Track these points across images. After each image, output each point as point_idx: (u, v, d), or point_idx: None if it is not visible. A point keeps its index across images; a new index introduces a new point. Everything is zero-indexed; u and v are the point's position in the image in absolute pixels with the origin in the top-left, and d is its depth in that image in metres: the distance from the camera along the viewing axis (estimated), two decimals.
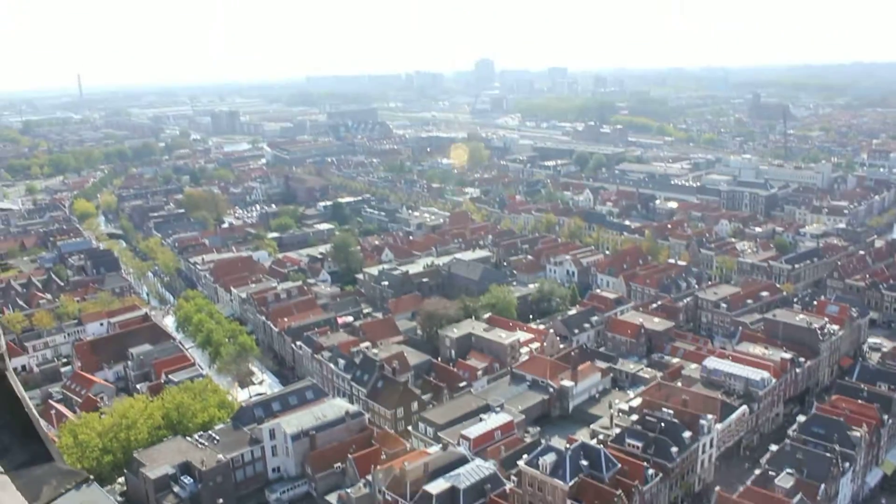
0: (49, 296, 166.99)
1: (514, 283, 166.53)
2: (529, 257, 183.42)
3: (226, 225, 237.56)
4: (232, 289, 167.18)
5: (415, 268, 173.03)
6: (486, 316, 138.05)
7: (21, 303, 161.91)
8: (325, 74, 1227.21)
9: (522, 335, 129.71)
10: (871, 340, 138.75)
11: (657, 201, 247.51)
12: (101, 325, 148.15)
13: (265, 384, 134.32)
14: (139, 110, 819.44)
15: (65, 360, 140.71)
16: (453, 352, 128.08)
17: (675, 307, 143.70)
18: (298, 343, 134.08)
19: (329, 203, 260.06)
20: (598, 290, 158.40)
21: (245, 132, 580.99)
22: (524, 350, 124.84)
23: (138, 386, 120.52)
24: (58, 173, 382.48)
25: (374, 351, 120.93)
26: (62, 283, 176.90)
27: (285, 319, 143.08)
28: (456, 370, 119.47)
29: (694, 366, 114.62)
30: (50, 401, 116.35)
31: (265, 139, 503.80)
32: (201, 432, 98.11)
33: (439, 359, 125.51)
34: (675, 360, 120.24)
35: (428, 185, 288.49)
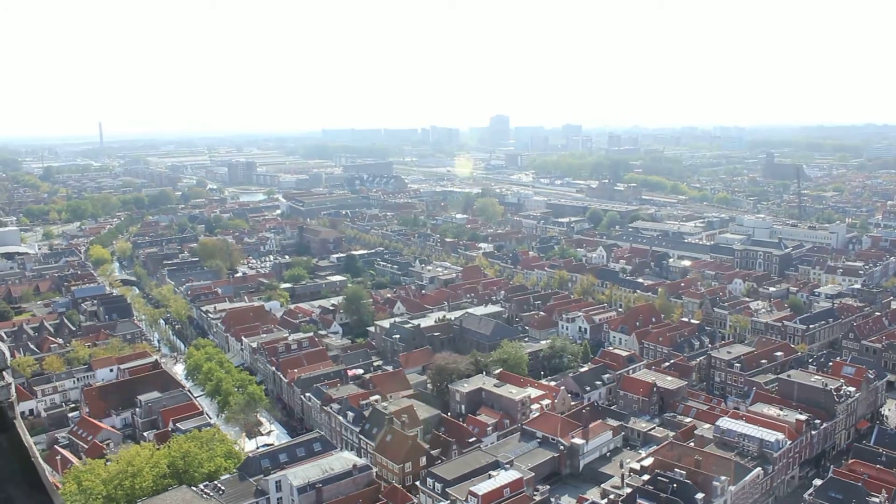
0: (61, 340, 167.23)
1: (526, 339, 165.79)
2: (542, 313, 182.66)
3: (239, 274, 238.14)
4: (243, 338, 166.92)
5: (426, 322, 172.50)
6: (497, 371, 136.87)
7: (33, 346, 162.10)
8: (342, 127, 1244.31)
9: (533, 391, 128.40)
10: (892, 403, 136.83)
11: (670, 259, 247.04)
12: (111, 371, 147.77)
13: (273, 435, 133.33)
14: (157, 159, 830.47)
15: (73, 405, 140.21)
16: (463, 407, 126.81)
17: (688, 366, 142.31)
18: (308, 394, 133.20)
19: (342, 255, 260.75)
20: (610, 348, 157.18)
21: (261, 183, 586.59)
22: (535, 407, 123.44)
23: (145, 433, 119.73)
24: (75, 219, 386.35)
25: (384, 404, 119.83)
26: (74, 328, 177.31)
27: (295, 370, 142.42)
28: (466, 425, 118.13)
29: (707, 426, 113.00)
30: (56, 446, 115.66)
31: (280, 190, 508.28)
32: (207, 482, 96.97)
33: (449, 414, 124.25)
34: (688, 420, 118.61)
35: (441, 239, 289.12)
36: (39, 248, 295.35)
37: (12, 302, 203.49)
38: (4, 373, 11.00)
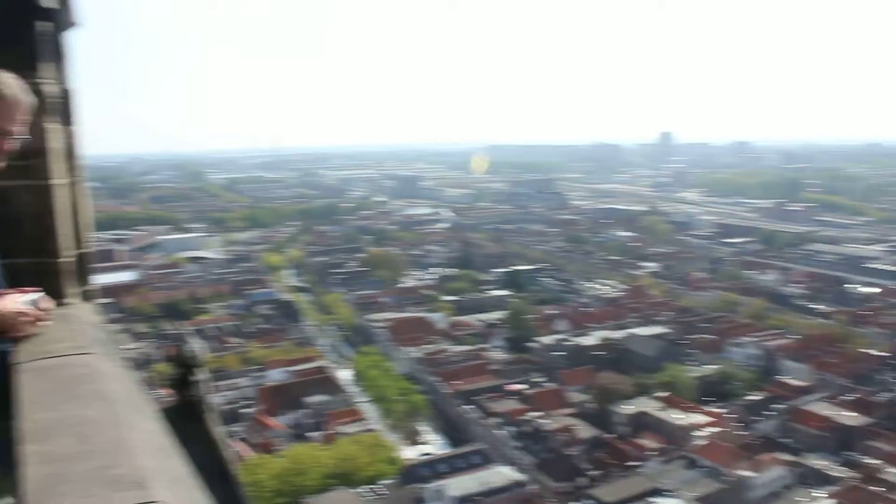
0: (238, 340, 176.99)
1: (693, 363, 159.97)
2: (709, 337, 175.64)
3: (404, 285, 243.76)
4: (406, 348, 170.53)
5: (589, 340, 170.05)
6: (662, 395, 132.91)
7: (213, 345, 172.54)
8: (507, 142, 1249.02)
9: (699, 418, 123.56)
10: None
11: (852, 285, 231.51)
12: (282, 372, 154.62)
13: (432, 445, 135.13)
14: (329, 172, 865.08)
15: (247, 402, 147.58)
16: (625, 429, 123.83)
17: (872, 402, 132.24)
18: (468, 407, 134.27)
19: (505, 270, 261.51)
20: (782, 377, 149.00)
21: (427, 197, 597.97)
22: (700, 434, 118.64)
23: (311, 434, 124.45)
24: (253, 227, 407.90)
25: (544, 421, 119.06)
26: (250, 330, 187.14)
27: (456, 382, 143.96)
28: (627, 449, 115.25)
29: (895, 470, 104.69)
30: (231, 440, 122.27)
31: (446, 204, 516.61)
32: (367, 486, 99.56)
33: (610, 435, 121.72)
34: (872, 462, 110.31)
35: (605, 257, 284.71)
36: (220, 254, 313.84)
37: (197, 302, 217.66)
38: (200, 369, 11.54)
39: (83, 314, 7.16)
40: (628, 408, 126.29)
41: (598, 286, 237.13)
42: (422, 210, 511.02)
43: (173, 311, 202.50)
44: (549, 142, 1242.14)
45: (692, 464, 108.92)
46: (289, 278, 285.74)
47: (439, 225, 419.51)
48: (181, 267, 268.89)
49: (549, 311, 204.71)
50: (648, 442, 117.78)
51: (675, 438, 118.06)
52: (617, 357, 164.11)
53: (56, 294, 7.08)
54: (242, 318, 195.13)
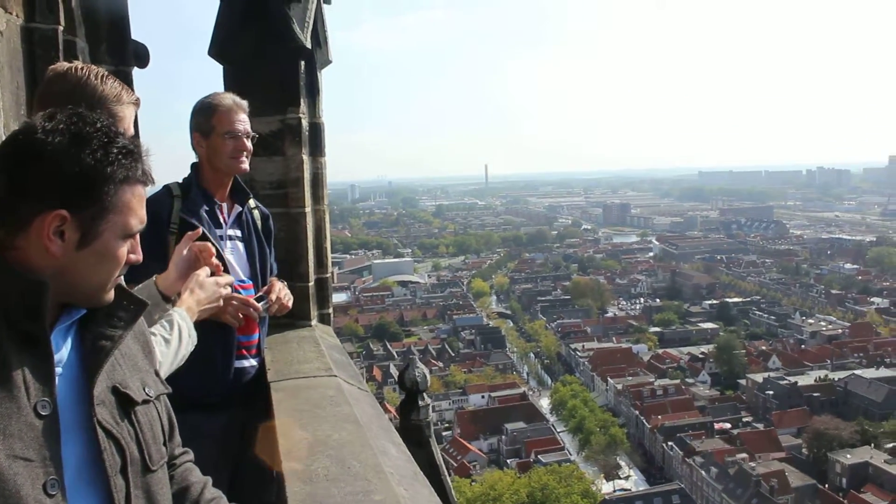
0: (441, 364, 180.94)
1: None
2: None
3: (609, 314, 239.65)
4: (608, 379, 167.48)
5: (805, 380, 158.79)
6: (890, 445, 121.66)
7: None
8: (719, 168, 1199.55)
9: None
10: None
11: None
12: (483, 397, 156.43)
13: (631, 480, 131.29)
14: (536, 199, 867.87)
15: (447, 425, 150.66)
16: (844, 480, 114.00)
17: None
18: (670, 443, 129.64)
19: (715, 302, 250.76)
20: None
21: (634, 225, 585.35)
22: None
23: (508, 460, 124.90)
24: (460, 253, 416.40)
25: (752, 464, 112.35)
26: (453, 354, 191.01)
27: (659, 417, 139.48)
28: (846, 502, 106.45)
29: None
30: None
31: (654, 233, 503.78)
32: None
33: (827, 486, 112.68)
34: None
35: (826, 290, 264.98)
36: (429, 278, 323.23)
37: (404, 325, 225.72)
38: (425, 394, 11.71)
39: (324, 336, 7.65)
40: (848, 457, 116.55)
41: (816, 322, 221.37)
42: (629, 238, 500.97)
43: (381, 333, 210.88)
44: (764, 166, 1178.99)
45: None
46: (494, 304, 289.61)
47: (647, 254, 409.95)
48: (390, 290, 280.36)
49: (761, 346, 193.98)
50: (872, 497, 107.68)
51: None
52: (836, 400, 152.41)
53: (301, 317, 7.70)
54: (447, 342, 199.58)
